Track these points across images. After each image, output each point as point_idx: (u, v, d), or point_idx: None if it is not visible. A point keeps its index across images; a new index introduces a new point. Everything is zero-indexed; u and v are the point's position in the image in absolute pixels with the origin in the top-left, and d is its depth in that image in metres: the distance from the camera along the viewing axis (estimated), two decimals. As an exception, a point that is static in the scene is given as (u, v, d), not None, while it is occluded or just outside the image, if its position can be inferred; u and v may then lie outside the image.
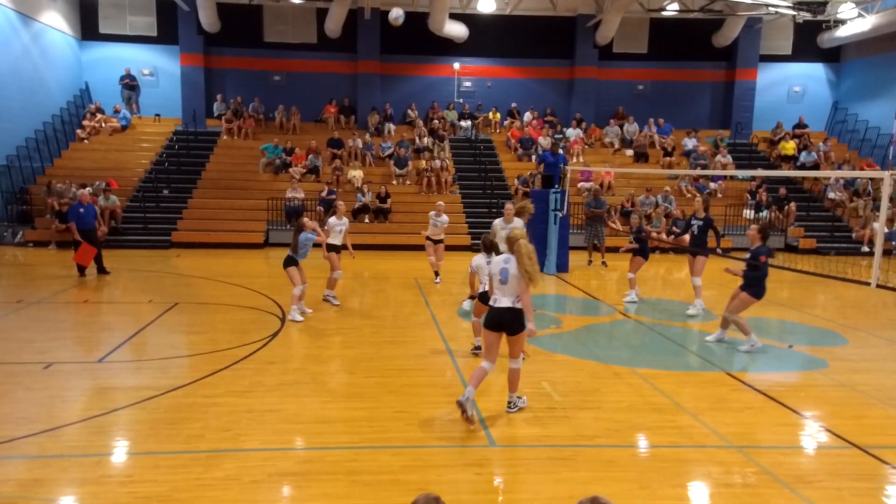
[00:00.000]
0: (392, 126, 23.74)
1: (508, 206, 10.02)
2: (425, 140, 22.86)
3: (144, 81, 23.96)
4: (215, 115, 23.73)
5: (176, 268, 15.24)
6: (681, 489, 4.90)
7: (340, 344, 8.82)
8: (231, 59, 24.21)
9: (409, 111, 24.54)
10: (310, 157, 21.53)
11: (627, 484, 4.91)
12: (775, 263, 13.73)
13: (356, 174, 20.94)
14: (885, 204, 6.11)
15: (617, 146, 23.63)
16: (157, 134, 23.19)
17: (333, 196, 19.48)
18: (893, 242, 17.80)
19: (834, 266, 13.59)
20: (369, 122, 23.84)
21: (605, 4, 22.94)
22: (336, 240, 11.07)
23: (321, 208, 19.30)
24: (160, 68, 24.00)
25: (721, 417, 6.28)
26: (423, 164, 21.75)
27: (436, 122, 23.96)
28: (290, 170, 21.06)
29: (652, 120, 24.01)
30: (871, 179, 20.42)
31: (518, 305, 5.93)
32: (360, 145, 22.21)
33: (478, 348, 8.01)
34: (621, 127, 24.18)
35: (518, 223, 9.72)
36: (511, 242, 6.00)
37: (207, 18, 22.64)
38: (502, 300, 5.97)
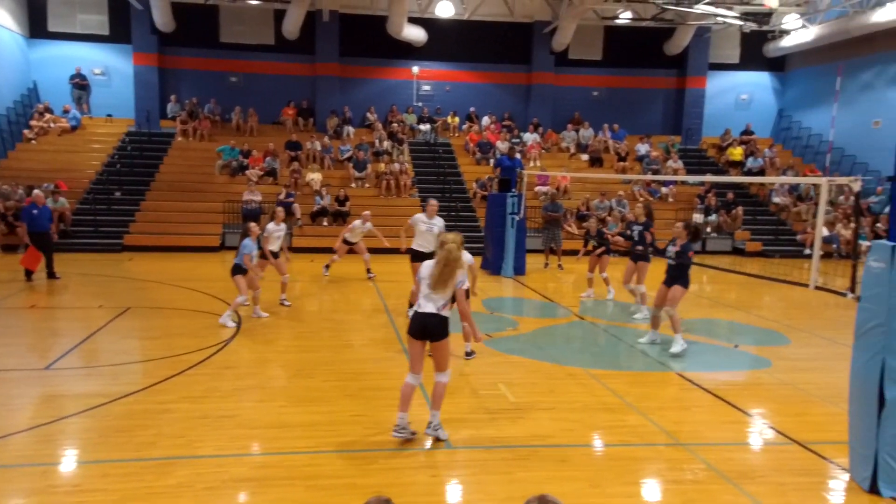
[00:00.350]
0: (351, 129, 23.65)
1: (432, 202, 9.95)
2: (384, 143, 22.85)
3: (96, 81, 23.35)
4: (169, 115, 23.28)
5: (128, 271, 14.92)
6: (631, 486, 5.04)
7: (298, 347, 8.78)
8: (186, 60, 23.78)
9: (369, 114, 24.50)
10: (267, 159, 21.30)
11: (579, 483, 5.03)
12: (726, 267, 14.15)
13: (315, 177, 20.81)
14: (822, 208, 6.38)
15: (573, 151, 24.00)
16: (108, 135, 22.64)
17: (292, 199, 19.31)
18: (834, 245, 18.48)
19: (778, 269, 14.07)
20: (328, 125, 23.70)
21: (561, 11, 23.30)
22: (274, 245, 10.94)
23: (280, 210, 19.12)
24: (112, 68, 23.44)
25: (670, 416, 6.47)
26: (382, 167, 21.73)
27: (395, 125, 23.97)
28: (248, 172, 20.81)
29: (606, 125, 24.45)
30: (814, 185, 21.17)
31: (444, 312, 5.55)
32: (319, 148, 22.08)
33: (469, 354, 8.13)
34: (577, 132, 24.58)
35: (438, 222, 9.67)
36: (441, 244, 5.63)
37: (161, 18, 22.22)
38: (426, 305, 5.55)
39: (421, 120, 24.60)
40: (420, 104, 25.06)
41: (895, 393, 4.87)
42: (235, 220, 19.02)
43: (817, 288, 6.22)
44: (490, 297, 12.42)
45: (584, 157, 23.58)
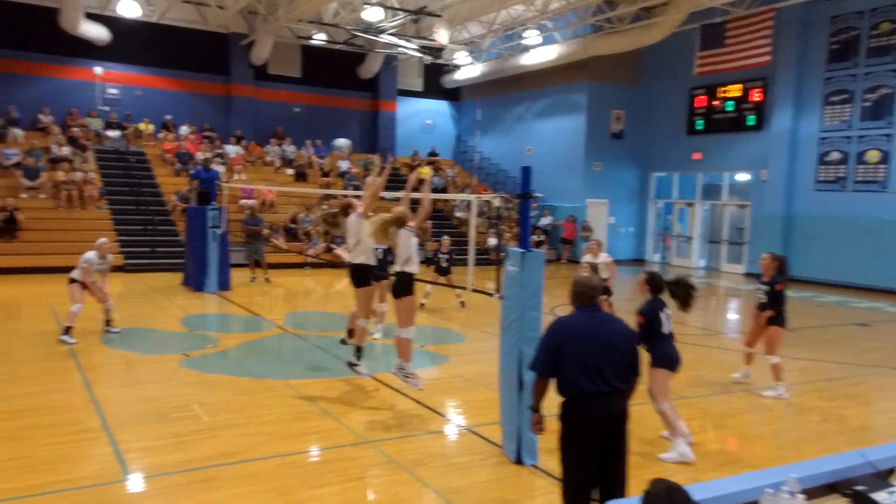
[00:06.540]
0: (19, 131, 20.53)
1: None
2: (63, 149, 20.29)
3: None
4: None
5: None
6: (317, 490, 5.24)
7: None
8: None
9: (42, 116, 21.55)
10: None
11: (267, 494, 5.11)
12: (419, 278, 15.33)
13: (-32, 187, 17.66)
14: (472, 221, 7.46)
15: (278, 165, 23.98)
16: None
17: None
18: (503, 254, 21.21)
19: (458, 276, 15.65)
20: (-11, 126, 20.29)
21: (257, 25, 23.14)
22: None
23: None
24: None
25: (360, 417, 6.92)
26: (60, 175, 19.26)
27: (76, 129, 21.45)
28: None
29: (309, 141, 24.93)
30: (487, 202, 24.11)
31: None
32: (-26, 153, 18.80)
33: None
34: (281, 146, 24.62)
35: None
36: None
37: None
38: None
39: (109, 125, 22.42)
40: (107, 108, 22.82)
41: (531, 377, 5.88)
42: None
43: (474, 290, 7.25)
44: (191, 315, 11.89)
45: (290, 171, 23.73)
